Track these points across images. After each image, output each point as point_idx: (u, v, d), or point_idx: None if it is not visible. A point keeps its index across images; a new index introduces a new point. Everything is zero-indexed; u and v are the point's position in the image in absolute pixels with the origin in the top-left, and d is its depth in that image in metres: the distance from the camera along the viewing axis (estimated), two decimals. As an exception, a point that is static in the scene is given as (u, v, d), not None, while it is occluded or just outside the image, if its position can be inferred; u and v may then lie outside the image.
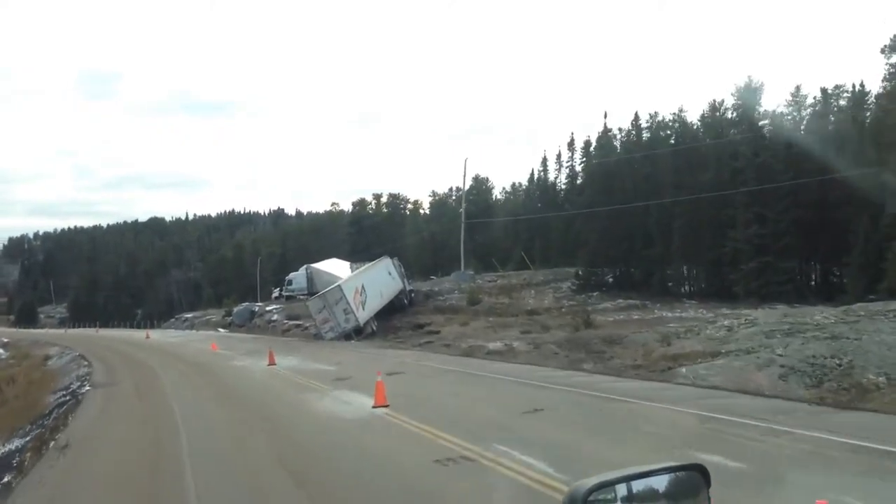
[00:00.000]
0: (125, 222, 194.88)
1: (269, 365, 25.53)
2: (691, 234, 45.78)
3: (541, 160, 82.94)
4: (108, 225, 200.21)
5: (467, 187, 70.13)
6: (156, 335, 60.00)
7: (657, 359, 23.12)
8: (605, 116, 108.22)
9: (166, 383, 22.97)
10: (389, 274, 48.71)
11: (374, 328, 42.62)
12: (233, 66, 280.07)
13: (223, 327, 64.19)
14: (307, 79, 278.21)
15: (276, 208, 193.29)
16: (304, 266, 64.42)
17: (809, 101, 44.93)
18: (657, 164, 51.02)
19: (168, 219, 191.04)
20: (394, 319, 45.54)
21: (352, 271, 53.75)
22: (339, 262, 64.26)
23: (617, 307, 40.45)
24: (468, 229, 65.40)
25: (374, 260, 51.80)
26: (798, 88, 44.78)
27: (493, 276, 60.86)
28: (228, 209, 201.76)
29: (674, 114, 52.21)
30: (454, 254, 75.19)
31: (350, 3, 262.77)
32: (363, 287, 42.59)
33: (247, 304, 69.83)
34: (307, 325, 47.26)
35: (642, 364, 22.91)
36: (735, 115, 44.79)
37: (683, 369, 20.91)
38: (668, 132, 53.85)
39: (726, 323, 27.38)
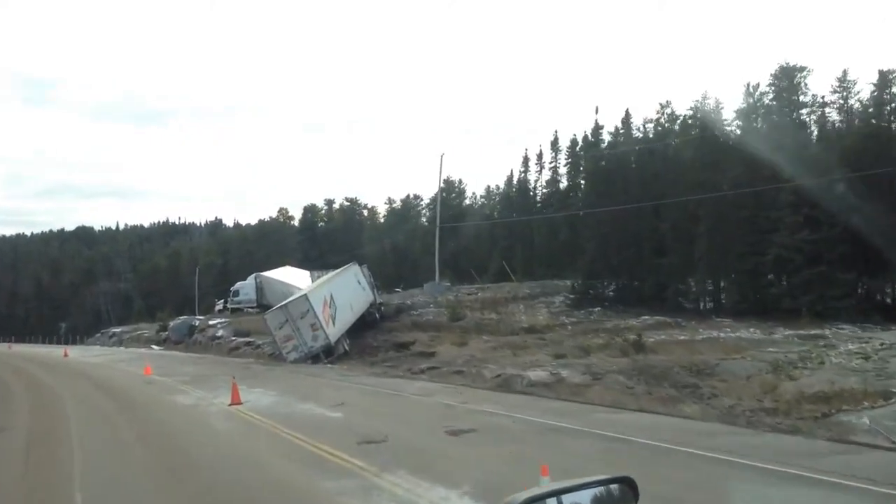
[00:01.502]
0: (51, 231, 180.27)
1: (231, 404, 17.52)
2: (718, 240, 39.17)
3: (521, 160, 75.04)
4: (32, 234, 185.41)
5: (438, 189, 62.60)
6: (76, 353, 51.18)
7: (794, 400, 16.24)
8: (597, 112, 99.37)
9: (74, 435, 15.01)
10: (359, 283, 41.83)
11: (347, 347, 35.58)
12: (173, 73, 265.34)
13: (157, 344, 55.64)
14: (251, 85, 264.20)
15: (213, 219, 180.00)
16: (253, 275, 57.47)
17: (858, 87, 39.21)
18: (670, 161, 44.51)
19: (98, 228, 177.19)
20: (367, 337, 38.71)
21: (312, 280, 46.92)
22: (294, 271, 57.46)
23: (645, 325, 33.65)
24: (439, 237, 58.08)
25: (330, 269, 45.09)
26: (845, 73, 38.95)
27: (471, 289, 53.79)
28: (163, 219, 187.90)
29: (695, 101, 45.21)
30: (419, 264, 68.52)
31: (303, 4, 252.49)
32: (332, 298, 35.45)
33: (185, 317, 61.53)
34: (260, 342, 40.17)
35: (775, 407, 16.06)
36: (773, 102, 38.43)
37: (865, 419, 14.12)
38: (677, 125, 46.99)
39: (852, 347, 20.85)
